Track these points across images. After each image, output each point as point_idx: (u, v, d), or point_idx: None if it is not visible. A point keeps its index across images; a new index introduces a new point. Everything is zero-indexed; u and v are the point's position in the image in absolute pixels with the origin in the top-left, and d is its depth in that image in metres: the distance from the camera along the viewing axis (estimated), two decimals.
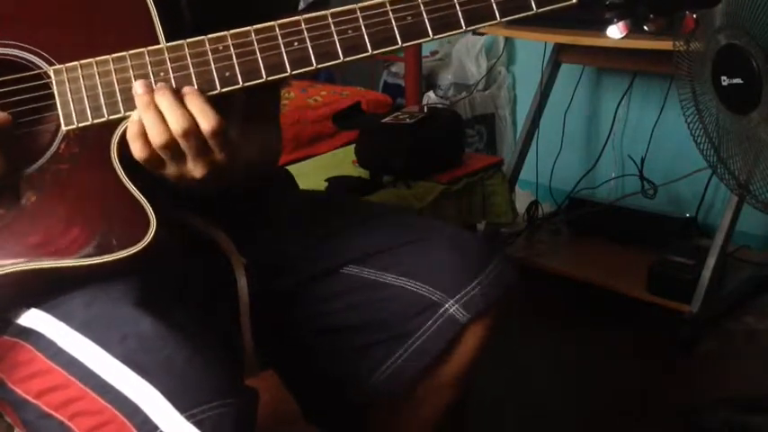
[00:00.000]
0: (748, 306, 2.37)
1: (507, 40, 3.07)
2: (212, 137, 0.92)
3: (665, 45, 1.95)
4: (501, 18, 0.96)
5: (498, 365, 2.03)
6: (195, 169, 0.94)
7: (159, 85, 0.93)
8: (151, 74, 0.93)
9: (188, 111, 0.92)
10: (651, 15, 1.00)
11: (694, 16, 1.01)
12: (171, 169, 0.95)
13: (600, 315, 2.38)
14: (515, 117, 3.21)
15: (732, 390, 2.01)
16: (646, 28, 1.01)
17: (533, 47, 2.78)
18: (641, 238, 2.54)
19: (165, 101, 0.92)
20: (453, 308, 1.09)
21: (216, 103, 0.94)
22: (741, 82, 1.82)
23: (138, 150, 0.93)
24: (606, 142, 2.85)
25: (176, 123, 0.91)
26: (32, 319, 0.94)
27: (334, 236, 1.16)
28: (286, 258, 1.16)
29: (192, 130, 0.92)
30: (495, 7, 0.95)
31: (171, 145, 0.92)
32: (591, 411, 2.00)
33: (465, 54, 3.13)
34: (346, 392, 1.17)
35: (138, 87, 0.93)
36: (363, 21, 0.95)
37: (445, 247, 1.12)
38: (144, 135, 0.92)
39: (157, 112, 0.92)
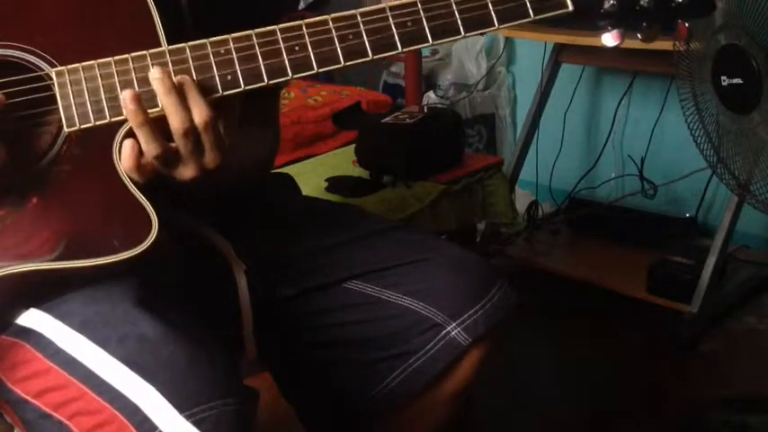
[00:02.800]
0: (748, 306, 2.37)
1: (507, 40, 3.07)
2: (205, 130, 0.92)
3: (665, 45, 1.95)
4: (499, 25, 0.98)
5: (498, 365, 2.03)
6: (186, 171, 0.94)
7: (158, 82, 0.92)
8: None
9: (189, 108, 0.92)
10: (644, 24, 1.01)
11: (687, 24, 1.02)
12: (162, 173, 0.94)
13: (600, 315, 2.38)
14: (515, 117, 3.21)
15: (732, 390, 2.02)
16: (639, 36, 1.02)
17: (533, 47, 2.78)
18: (641, 238, 2.54)
19: (171, 102, 0.91)
20: (455, 331, 1.09)
21: (215, 104, 0.94)
22: (741, 82, 1.82)
23: (131, 168, 0.93)
24: (606, 142, 2.85)
25: (180, 123, 0.91)
26: (32, 319, 0.94)
27: (337, 248, 1.16)
28: (287, 265, 1.16)
29: (192, 128, 0.92)
30: (493, 15, 0.97)
31: (165, 154, 0.92)
32: (591, 411, 2.00)
33: (465, 54, 3.13)
34: (345, 405, 1.17)
35: (128, 102, 0.91)
36: (364, 26, 0.96)
37: (449, 269, 1.12)
38: (138, 152, 0.92)
39: (151, 126, 0.91)
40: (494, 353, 1.14)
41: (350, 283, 1.14)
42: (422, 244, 1.17)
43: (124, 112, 0.92)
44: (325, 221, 1.21)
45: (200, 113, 0.92)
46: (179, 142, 0.92)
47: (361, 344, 1.13)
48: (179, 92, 0.92)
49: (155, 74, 0.92)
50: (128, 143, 0.92)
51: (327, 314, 1.15)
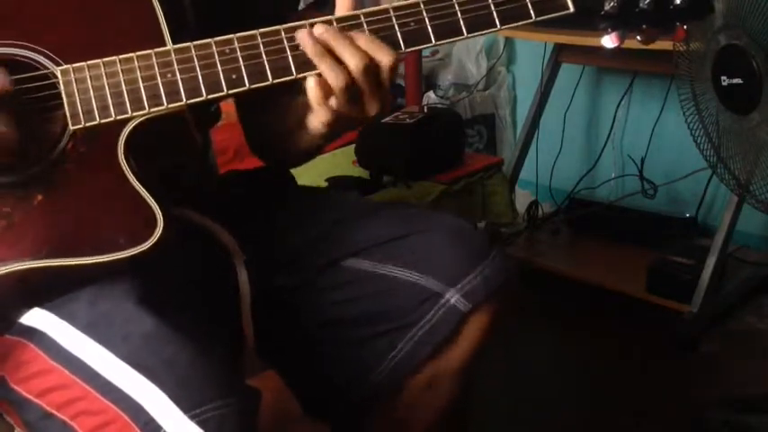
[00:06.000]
0: (748, 306, 2.37)
1: (507, 40, 3.07)
2: (390, 70, 0.98)
3: (665, 45, 1.95)
4: (501, 26, 1.00)
5: (499, 365, 2.03)
6: (371, 107, 1.00)
7: (328, 30, 0.97)
8: (158, 75, 0.94)
9: (362, 49, 0.97)
10: (644, 26, 1.02)
11: (685, 27, 1.03)
12: (352, 112, 1.00)
13: (600, 315, 2.38)
14: (515, 117, 3.21)
15: (732, 390, 2.02)
16: (638, 38, 1.03)
17: (533, 47, 2.78)
18: (641, 238, 2.54)
19: (343, 44, 0.96)
20: (455, 297, 1.09)
21: None
22: (741, 82, 1.82)
23: (323, 114, 1.00)
24: (606, 142, 2.85)
25: (358, 62, 0.96)
26: (35, 318, 0.94)
27: (334, 230, 1.16)
28: (286, 254, 1.16)
29: (371, 66, 0.97)
30: (495, 15, 0.99)
31: (350, 86, 0.97)
32: (591, 411, 2.00)
33: (465, 54, 3.13)
34: (350, 386, 1.16)
35: (305, 40, 0.96)
36: (367, 26, 0.98)
37: (445, 238, 1.12)
38: (326, 96, 0.98)
39: (333, 56, 0.96)
40: (497, 321, 1.13)
41: (347, 261, 1.14)
42: (416, 217, 1.17)
43: (305, 50, 0.96)
44: (323, 207, 1.22)
45: (384, 56, 0.97)
46: (360, 80, 0.97)
47: (360, 321, 1.13)
48: (348, 37, 0.97)
49: (318, 29, 0.97)
50: (312, 78, 0.98)
51: (327, 294, 1.14)
